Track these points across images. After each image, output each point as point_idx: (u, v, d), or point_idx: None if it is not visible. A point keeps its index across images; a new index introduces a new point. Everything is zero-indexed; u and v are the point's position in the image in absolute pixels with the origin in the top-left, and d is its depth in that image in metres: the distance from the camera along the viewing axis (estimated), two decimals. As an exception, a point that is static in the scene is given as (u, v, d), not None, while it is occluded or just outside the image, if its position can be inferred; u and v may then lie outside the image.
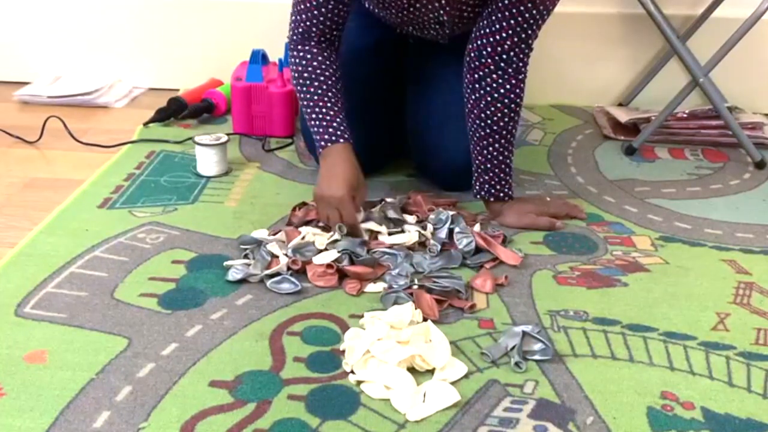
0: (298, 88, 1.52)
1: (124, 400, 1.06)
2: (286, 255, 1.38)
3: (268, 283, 1.34)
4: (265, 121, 2.02)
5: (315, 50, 1.51)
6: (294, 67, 1.52)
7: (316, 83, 1.50)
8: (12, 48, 2.41)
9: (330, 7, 1.47)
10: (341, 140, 1.48)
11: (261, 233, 1.48)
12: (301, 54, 1.51)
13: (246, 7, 2.31)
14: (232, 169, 1.81)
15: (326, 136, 1.48)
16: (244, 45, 2.10)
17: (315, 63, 1.50)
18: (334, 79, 1.51)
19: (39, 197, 1.67)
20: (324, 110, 1.49)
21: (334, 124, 1.48)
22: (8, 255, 1.42)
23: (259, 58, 2.04)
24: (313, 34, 1.50)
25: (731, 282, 1.41)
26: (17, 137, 1.98)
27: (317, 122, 1.49)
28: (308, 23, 1.49)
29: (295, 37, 1.52)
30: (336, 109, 1.50)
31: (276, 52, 2.07)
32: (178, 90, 2.27)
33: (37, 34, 2.40)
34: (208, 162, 1.77)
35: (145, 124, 2.07)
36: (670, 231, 1.59)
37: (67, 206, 1.61)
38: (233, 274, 1.35)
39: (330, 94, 1.50)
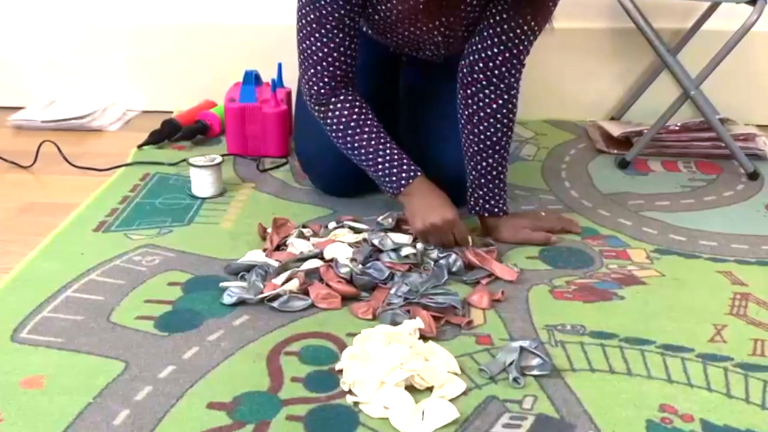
0: (347, 140, 1.50)
1: (122, 424, 1.06)
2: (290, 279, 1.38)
3: (276, 304, 1.33)
4: (259, 142, 2.02)
5: (350, 97, 1.50)
6: (335, 121, 1.50)
7: (366, 129, 1.49)
8: (5, 73, 2.42)
9: (346, 43, 1.46)
10: (418, 173, 1.49)
11: (256, 254, 1.48)
12: (339, 105, 1.49)
13: (238, 28, 2.32)
14: (227, 190, 1.82)
15: (403, 175, 1.48)
16: (237, 66, 2.10)
17: (356, 110, 1.50)
18: (378, 120, 1.51)
19: (34, 222, 1.67)
20: (387, 152, 1.49)
21: (405, 162, 1.49)
22: (4, 280, 1.42)
23: (252, 78, 2.04)
24: (339, 79, 1.48)
25: (727, 293, 1.41)
26: (12, 162, 1.98)
27: (384, 167, 1.49)
28: (331, 69, 1.47)
29: (322, 91, 1.49)
30: (396, 147, 1.50)
31: (269, 73, 2.08)
32: (171, 112, 2.28)
33: (30, 58, 2.40)
34: (202, 183, 1.78)
35: (140, 146, 2.07)
36: (665, 243, 1.59)
37: (62, 230, 1.61)
38: (227, 298, 1.35)
39: (382, 134, 1.50)
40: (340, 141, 1.52)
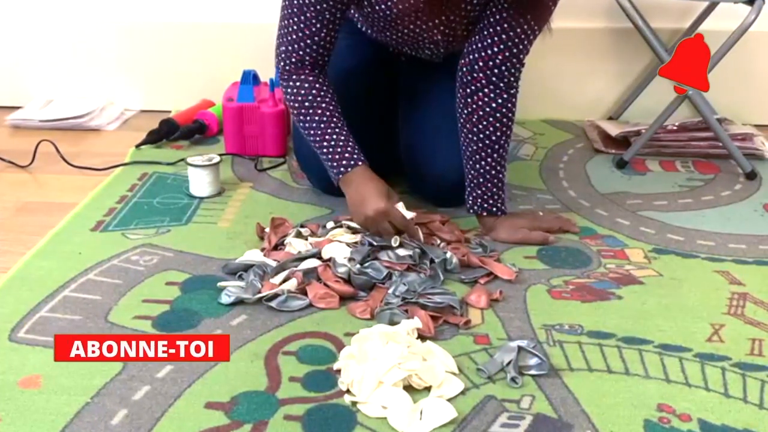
0: (300, 119, 1.53)
1: (120, 423, 1.06)
2: (287, 278, 1.38)
3: (274, 303, 1.33)
4: (257, 141, 2.02)
5: (311, 78, 1.52)
6: (292, 98, 1.53)
7: (318, 111, 1.51)
8: (3, 72, 2.41)
9: (322, 35, 1.48)
10: (359, 163, 1.49)
11: (254, 254, 1.48)
12: (297, 84, 1.52)
13: (237, 28, 2.32)
14: (225, 190, 1.81)
15: (344, 162, 1.49)
16: (235, 66, 2.10)
17: (314, 91, 1.51)
18: (334, 104, 1.52)
19: (32, 221, 1.67)
20: (333, 138, 1.50)
21: (348, 150, 1.50)
22: (1, 280, 1.42)
23: (250, 78, 2.04)
24: (306, 63, 1.51)
25: (725, 293, 1.41)
26: (9, 162, 1.97)
27: (328, 151, 1.50)
28: (301, 53, 1.50)
29: (287, 68, 1.52)
30: (344, 134, 1.51)
31: (267, 72, 2.07)
32: (169, 112, 2.27)
33: (28, 58, 2.40)
34: (200, 183, 1.77)
35: (137, 146, 2.07)
36: (662, 243, 1.60)
37: (60, 230, 1.61)
38: (225, 298, 1.35)
39: (334, 119, 1.51)
40: (296, 119, 1.55)
